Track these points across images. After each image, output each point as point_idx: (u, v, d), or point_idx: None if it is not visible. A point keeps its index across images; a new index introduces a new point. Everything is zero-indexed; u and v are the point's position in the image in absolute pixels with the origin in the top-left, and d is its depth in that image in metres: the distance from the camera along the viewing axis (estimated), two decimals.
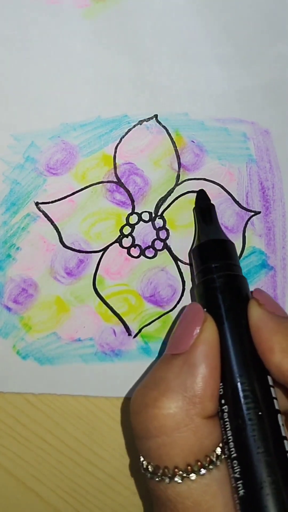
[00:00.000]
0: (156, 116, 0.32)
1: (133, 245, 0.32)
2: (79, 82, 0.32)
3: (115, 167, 0.32)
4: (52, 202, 0.31)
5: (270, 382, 0.25)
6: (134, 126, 0.32)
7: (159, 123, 0.32)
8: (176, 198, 0.32)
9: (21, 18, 0.32)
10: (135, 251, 0.32)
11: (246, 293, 0.27)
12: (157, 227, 0.32)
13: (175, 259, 0.32)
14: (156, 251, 0.32)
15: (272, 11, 0.33)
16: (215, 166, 0.32)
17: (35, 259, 0.31)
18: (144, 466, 0.25)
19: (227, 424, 0.24)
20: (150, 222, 0.32)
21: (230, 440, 0.24)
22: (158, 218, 0.32)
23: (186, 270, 0.32)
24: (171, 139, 0.32)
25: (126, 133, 0.32)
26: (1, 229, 0.31)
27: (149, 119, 0.32)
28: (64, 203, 0.31)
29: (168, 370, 0.25)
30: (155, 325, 0.31)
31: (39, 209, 0.31)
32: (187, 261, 0.32)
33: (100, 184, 0.32)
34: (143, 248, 0.32)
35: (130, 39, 0.32)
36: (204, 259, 0.28)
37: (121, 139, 0.32)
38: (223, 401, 0.25)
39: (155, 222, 0.32)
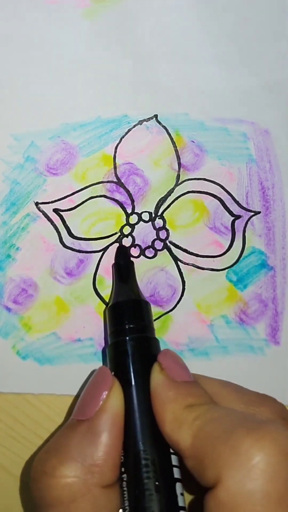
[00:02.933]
0: (156, 116, 0.32)
1: (133, 245, 0.32)
2: (79, 82, 0.32)
3: (115, 167, 0.32)
4: (52, 202, 0.31)
5: (172, 450, 0.25)
6: (134, 126, 0.32)
7: (159, 123, 0.32)
8: (176, 198, 0.32)
9: (21, 18, 0.32)
10: (135, 251, 0.32)
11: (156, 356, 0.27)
12: (157, 227, 0.32)
13: (175, 259, 0.32)
14: (156, 251, 0.32)
15: (272, 11, 0.33)
16: (215, 166, 0.32)
17: (35, 259, 0.31)
18: None
19: (125, 493, 0.24)
20: (150, 222, 0.32)
21: (127, 511, 0.24)
22: (158, 218, 0.32)
23: (186, 270, 0.32)
24: (171, 139, 0.32)
25: (126, 133, 0.32)
26: (1, 229, 0.31)
27: (149, 119, 0.32)
28: (64, 203, 0.31)
29: (70, 437, 0.25)
30: (155, 325, 0.31)
31: (39, 209, 0.31)
32: (187, 261, 0.32)
33: (100, 184, 0.32)
34: (143, 248, 0.32)
35: (130, 39, 0.32)
36: (118, 319, 0.28)
37: (121, 139, 0.32)
38: (123, 469, 0.24)
39: (155, 222, 0.32)
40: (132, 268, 0.31)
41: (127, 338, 0.27)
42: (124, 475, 0.24)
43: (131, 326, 0.27)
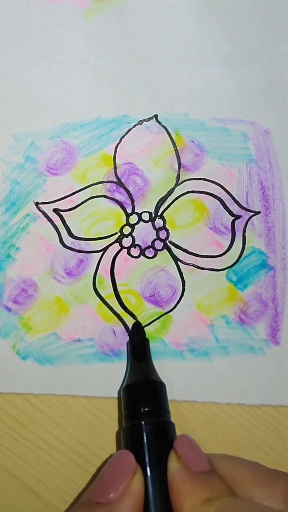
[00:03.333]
0: (156, 116, 0.32)
1: (133, 245, 0.32)
2: (79, 82, 0.32)
3: (115, 167, 0.32)
4: (52, 202, 0.31)
5: None
6: (134, 126, 0.32)
7: (159, 123, 0.32)
8: (176, 198, 0.32)
9: (21, 18, 0.32)
10: (135, 251, 0.32)
11: (172, 441, 0.27)
12: (157, 227, 0.32)
13: (175, 259, 0.32)
14: (156, 251, 0.32)
15: (272, 11, 0.33)
16: (215, 166, 0.32)
17: (35, 259, 0.31)
18: None
19: None
20: (150, 222, 0.32)
21: None
22: (158, 218, 0.32)
23: (186, 270, 0.32)
24: (171, 139, 0.32)
25: (126, 133, 0.32)
26: (1, 229, 0.31)
27: (149, 119, 0.32)
28: (64, 203, 0.31)
29: None
30: (154, 325, 0.31)
31: (39, 209, 0.31)
32: (187, 261, 0.32)
33: (100, 184, 0.32)
34: (143, 248, 0.32)
35: (130, 39, 0.32)
36: (133, 401, 0.28)
37: (121, 139, 0.32)
38: None
39: (155, 222, 0.32)
40: (147, 346, 0.30)
41: (143, 422, 0.26)
42: None
43: (146, 409, 0.27)
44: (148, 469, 0.26)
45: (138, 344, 0.30)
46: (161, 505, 0.25)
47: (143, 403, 0.27)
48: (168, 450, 0.26)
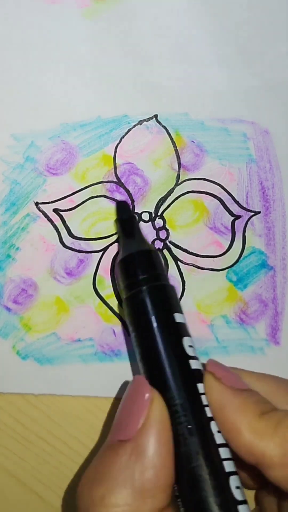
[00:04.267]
0: (156, 116, 0.32)
1: None
2: (79, 82, 0.32)
3: (115, 167, 0.32)
4: (52, 202, 0.31)
5: (201, 390, 0.24)
6: (134, 126, 0.32)
7: (159, 123, 0.32)
8: (176, 198, 0.32)
9: (21, 18, 0.32)
10: None
11: (175, 302, 0.26)
12: (157, 227, 0.32)
13: (175, 259, 0.32)
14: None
15: (273, 11, 0.33)
16: (215, 166, 0.32)
17: (35, 260, 0.31)
18: None
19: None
20: (150, 222, 0.32)
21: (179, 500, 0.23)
22: (158, 218, 0.32)
23: (186, 270, 0.32)
24: (171, 139, 0.32)
25: (126, 133, 0.32)
26: (1, 229, 0.31)
27: (149, 119, 0.32)
28: (64, 203, 0.31)
29: (114, 461, 0.23)
30: None
31: (39, 209, 0.31)
32: (187, 261, 0.32)
33: (100, 184, 0.32)
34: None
35: (130, 39, 0.32)
36: (129, 272, 0.27)
37: (121, 139, 0.32)
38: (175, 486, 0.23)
39: (155, 222, 0.32)
40: (135, 222, 0.30)
41: (143, 288, 0.26)
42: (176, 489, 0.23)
43: (145, 276, 0.26)
44: (154, 325, 0.25)
45: (126, 222, 0.30)
46: (172, 359, 0.24)
47: (140, 271, 0.27)
48: (171, 313, 0.25)
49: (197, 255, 0.32)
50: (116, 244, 0.32)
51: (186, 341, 0.25)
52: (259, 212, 0.32)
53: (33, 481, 0.31)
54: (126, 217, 0.30)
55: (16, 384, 0.31)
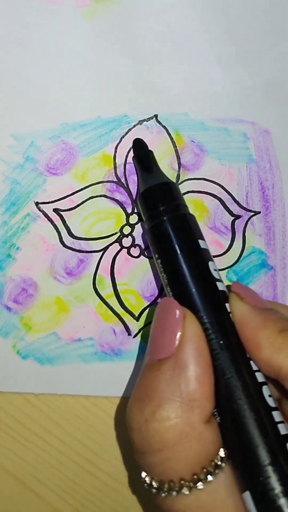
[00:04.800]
0: (156, 116, 0.32)
1: (133, 245, 0.32)
2: (79, 82, 0.32)
3: (115, 167, 0.32)
4: (52, 202, 0.31)
5: (229, 310, 0.25)
6: (134, 126, 0.32)
7: (159, 123, 0.32)
8: None
9: (21, 18, 0.32)
10: (135, 251, 0.32)
11: (197, 230, 0.27)
12: None
13: None
14: None
15: (273, 11, 0.33)
16: (215, 166, 0.32)
17: (35, 259, 0.31)
18: (148, 482, 0.24)
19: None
20: None
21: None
22: None
23: None
24: (171, 139, 0.32)
25: (126, 133, 0.32)
26: (1, 229, 0.31)
27: (149, 119, 0.32)
28: (64, 203, 0.32)
29: (159, 378, 0.24)
30: None
31: (39, 209, 0.31)
32: None
33: (100, 184, 0.32)
34: (143, 248, 0.32)
35: (130, 39, 0.32)
36: (150, 204, 0.28)
37: (121, 139, 0.32)
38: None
39: None
40: (152, 156, 0.31)
41: (165, 218, 0.27)
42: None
43: (165, 207, 0.27)
44: (179, 253, 0.26)
45: (143, 156, 0.31)
46: (199, 283, 0.25)
47: (161, 203, 0.28)
48: (194, 240, 0.27)
49: None
50: (116, 244, 0.32)
51: (211, 265, 0.26)
52: (259, 212, 0.32)
53: (33, 480, 0.31)
54: (143, 153, 0.31)
55: (16, 383, 0.31)
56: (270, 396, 0.24)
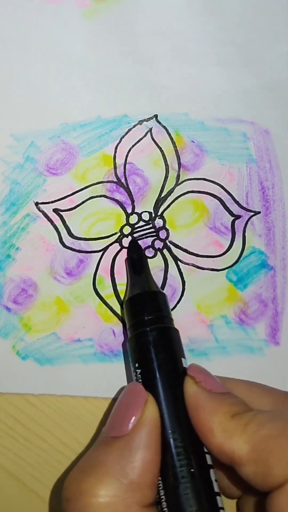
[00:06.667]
0: (156, 116, 0.32)
1: None
2: (79, 82, 0.32)
3: (115, 167, 0.32)
4: (52, 202, 0.31)
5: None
6: (134, 126, 0.32)
7: (159, 123, 0.32)
8: (176, 198, 0.32)
9: (21, 18, 0.32)
10: None
11: (178, 345, 0.27)
12: (157, 227, 0.32)
13: (175, 259, 0.32)
14: (156, 251, 0.32)
15: (272, 11, 0.33)
16: (215, 166, 0.32)
17: (35, 260, 0.31)
18: None
19: (160, 484, 0.24)
20: (150, 222, 0.32)
21: (163, 500, 0.24)
22: (158, 218, 0.32)
23: (186, 270, 0.32)
24: (171, 139, 0.32)
25: (126, 133, 0.32)
26: (1, 229, 0.31)
27: (149, 119, 0.32)
28: (64, 203, 0.31)
29: (107, 454, 0.24)
30: None
31: (39, 209, 0.31)
32: (187, 261, 0.32)
33: (100, 184, 0.32)
34: (143, 248, 0.32)
35: (130, 39, 0.32)
36: (136, 312, 0.28)
37: (121, 139, 0.32)
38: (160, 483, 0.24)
39: (155, 222, 0.32)
40: (145, 261, 0.31)
41: (148, 329, 0.27)
42: (160, 484, 0.24)
43: (150, 317, 0.28)
44: (157, 374, 0.26)
45: (136, 260, 0.31)
46: (172, 406, 0.25)
47: (147, 312, 0.28)
48: (175, 355, 0.27)
49: (197, 255, 0.32)
50: (116, 244, 0.32)
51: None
52: (259, 212, 0.32)
53: (33, 480, 0.31)
54: (137, 256, 0.31)
55: (16, 384, 0.31)
56: (216, 480, 0.24)
